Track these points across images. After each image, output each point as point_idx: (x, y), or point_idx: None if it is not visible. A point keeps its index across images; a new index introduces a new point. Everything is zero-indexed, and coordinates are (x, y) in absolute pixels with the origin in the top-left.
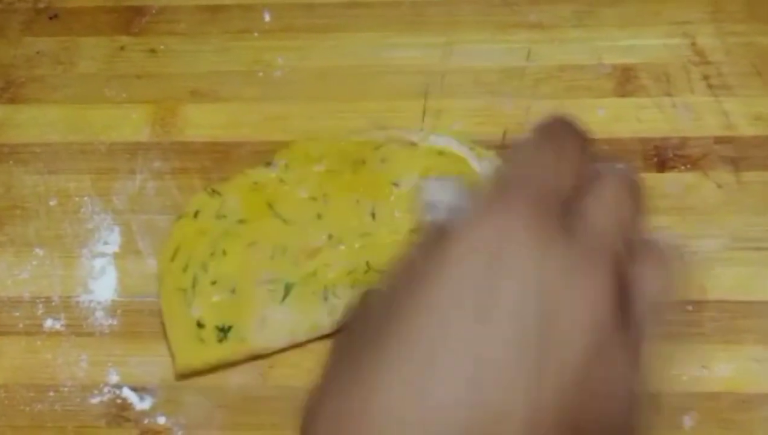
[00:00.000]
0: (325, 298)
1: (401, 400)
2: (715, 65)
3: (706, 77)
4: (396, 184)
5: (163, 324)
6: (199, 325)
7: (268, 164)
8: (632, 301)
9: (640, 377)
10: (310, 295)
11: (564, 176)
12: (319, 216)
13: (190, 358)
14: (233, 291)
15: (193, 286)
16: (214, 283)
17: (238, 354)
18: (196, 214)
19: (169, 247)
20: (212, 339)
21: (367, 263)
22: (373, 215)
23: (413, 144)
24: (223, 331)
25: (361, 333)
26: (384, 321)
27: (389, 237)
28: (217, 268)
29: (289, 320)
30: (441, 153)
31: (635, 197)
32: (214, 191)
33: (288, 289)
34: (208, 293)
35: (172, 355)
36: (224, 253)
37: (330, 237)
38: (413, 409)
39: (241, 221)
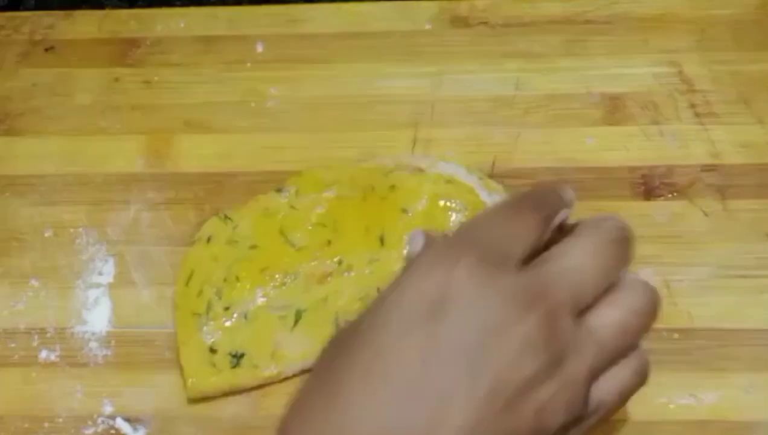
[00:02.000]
0: (336, 325)
1: (356, 424)
2: (702, 93)
3: (692, 105)
4: (405, 211)
5: (175, 349)
6: (212, 350)
7: (279, 190)
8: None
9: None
10: (321, 322)
11: (518, 241)
12: (329, 242)
13: (202, 383)
14: (246, 317)
15: (207, 311)
16: (227, 308)
17: (251, 381)
18: (209, 240)
19: (184, 272)
20: (225, 365)
21: (378, 289)
22: (382, 241)
23: (421, 170)
24: (236, 358)
25: (324, 366)
26: (340, 357)
27: (399, 263)
28: (230, 294)
29: (300, 347)
30: (449, 181)
31: (615, 249)
32: (226, 217)
33: (299, 315)
34: (221, 319)
35: (184, 379)
36: (237, 279)
37: (340, 263)
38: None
39: (252, 247)
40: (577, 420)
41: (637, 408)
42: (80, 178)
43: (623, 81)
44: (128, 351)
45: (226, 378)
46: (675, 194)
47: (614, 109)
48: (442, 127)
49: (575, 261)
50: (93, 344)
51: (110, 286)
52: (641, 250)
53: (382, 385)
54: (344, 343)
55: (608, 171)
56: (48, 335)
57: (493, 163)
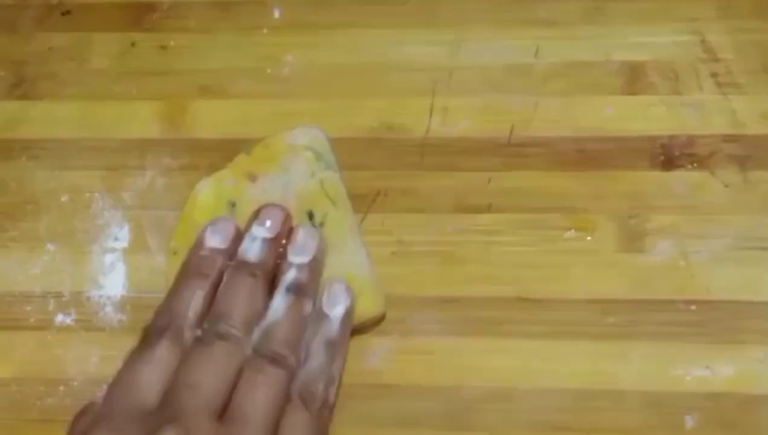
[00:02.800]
0: None
1: None
2: (724, 63)
3: (714, 75)
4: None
5: None
6: None
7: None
8: None
9: None
10: None
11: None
12: None
13: None
14: None
15: None
16: None
17: None
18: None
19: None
20: None
21: None
22: None
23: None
24: None
25: None
26: None
27: None
28: None
29: None
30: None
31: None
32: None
33: None
34: None
35: None
36: None
37: None
38: None
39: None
40: None
41: (652, 380)
42: (96, 142)
43: (644, 49)
44: (143, 316)
45: None
46: (695, 165)
47: (634, 78)
48: (459, 95)
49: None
50: (108, 309)
51: (125, 251)
52: (660, 220)
53: None
54: None
55: (627, 141)
56: (64, 299)
57: (511, 132)
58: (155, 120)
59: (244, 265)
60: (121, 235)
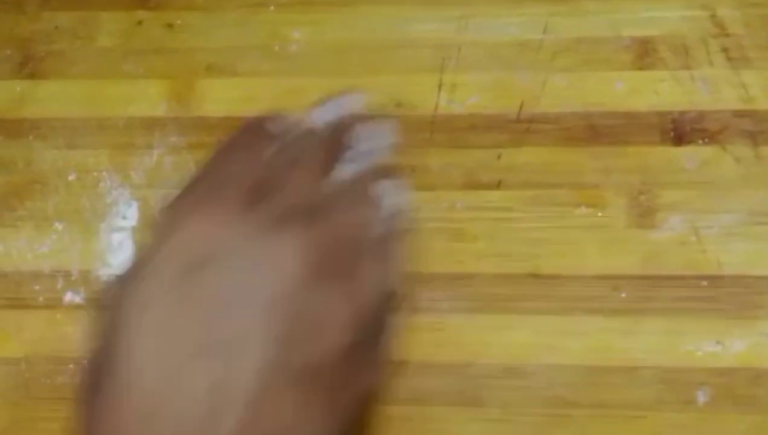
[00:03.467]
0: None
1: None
2: (735, 37)
3: (725, 50)
4: None
5: None
6: None
7: None
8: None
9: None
10: None
11: (251, 168)
12: None
13: None
14: None
15: None
16: None
17: None
18: None
19: None
20: None
21: None
22: None
23: None
24: None
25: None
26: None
27: None
28: None
29: None
30: None
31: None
32: None
33: None
34: None
35: None
36: None
37: None
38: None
39: None
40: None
41: (663, 355)
42: (103, 121)
43: (654, 24)
44: None
45: None
46: (706, 140)
47: (644, 53)
48: (467, 72)
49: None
50: None
51: (134, 229)
52: (670, 196)
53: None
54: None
55: (638, 116)
56: (73, 278)
57: (520, 108)
58: (162, 98)
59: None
60: (129, 214)
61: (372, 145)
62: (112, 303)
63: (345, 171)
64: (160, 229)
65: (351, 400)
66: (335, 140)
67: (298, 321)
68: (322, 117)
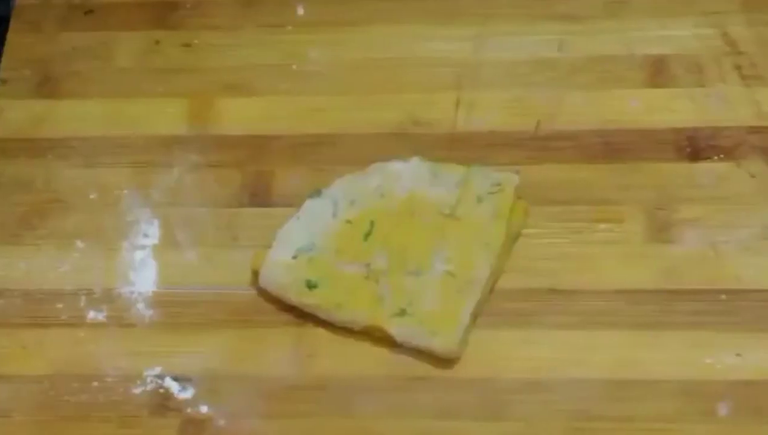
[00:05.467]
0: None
1: None
2: (747, 55)
3: (738, 67)
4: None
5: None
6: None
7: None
8: None
9: None
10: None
11: None
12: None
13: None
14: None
15: None
16: None
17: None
18: None
19: None
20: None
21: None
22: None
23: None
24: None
25: None
26: None
27: None
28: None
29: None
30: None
31: None
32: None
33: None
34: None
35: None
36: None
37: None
38: None
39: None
40: None
41: (684, 369)
42: (122, 140)
43: (666, 43)
44: (174, 311)
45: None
46: (721, 156)
47: (658, 71)
48: (485, 90)
49: None
50: (140, 305)
51: (155, 247)
52: (688, 211)
53: None
54: None
55: (653, 133)
56: (95, 296)
57: (537, 126)
58: (181, 117)
59: None
60: (150, 232)
61: None
62: None
63: None
64: None
65: None
66: None
67: None
68: None
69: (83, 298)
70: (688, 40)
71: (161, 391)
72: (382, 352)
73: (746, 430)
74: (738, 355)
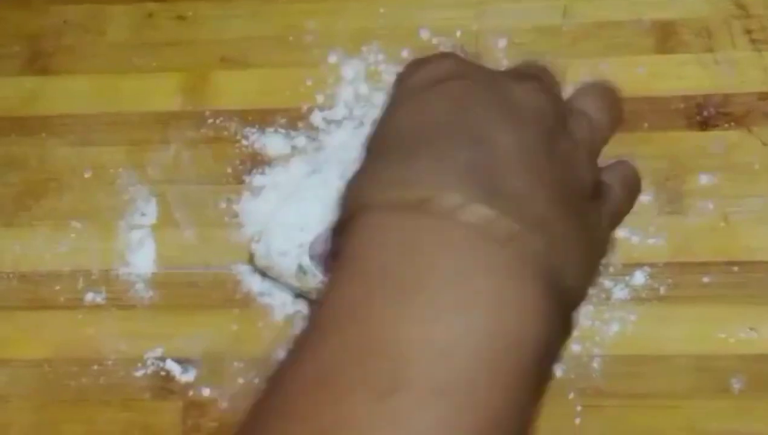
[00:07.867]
0: None
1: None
2: (758, 18)
3: (748, 31)
4: None
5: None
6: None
7: None
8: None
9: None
10: None
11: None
12: None
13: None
14: None
15: None
16: None
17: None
18: None
19: None
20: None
21: None
22: None
23: None
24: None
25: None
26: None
27: None
28: None
29: None
30: None
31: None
32: None
33: None
34: None
35: None
36: None
37: None
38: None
39: None
40: (597, 192)
41: (696, 344)
42: (117, 117)
43: (674, 6)
44: (174, 292)
45: None
46: (731, 124)
47: (666, 37)
48: (487, 59)
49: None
50: (139, 286)
51: (153, 226)
52: (698, 181)
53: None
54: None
55: (662, 101)
56: (93, 277)
57: None
58: (176, 92)
59: None
60: (148, 211)
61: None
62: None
63: None
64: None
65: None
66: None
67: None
68: None
69: (81, 279)
70: (697, 3)
71: (163, 373)
72: None
73: (761, 405)
74: (751, 329)
